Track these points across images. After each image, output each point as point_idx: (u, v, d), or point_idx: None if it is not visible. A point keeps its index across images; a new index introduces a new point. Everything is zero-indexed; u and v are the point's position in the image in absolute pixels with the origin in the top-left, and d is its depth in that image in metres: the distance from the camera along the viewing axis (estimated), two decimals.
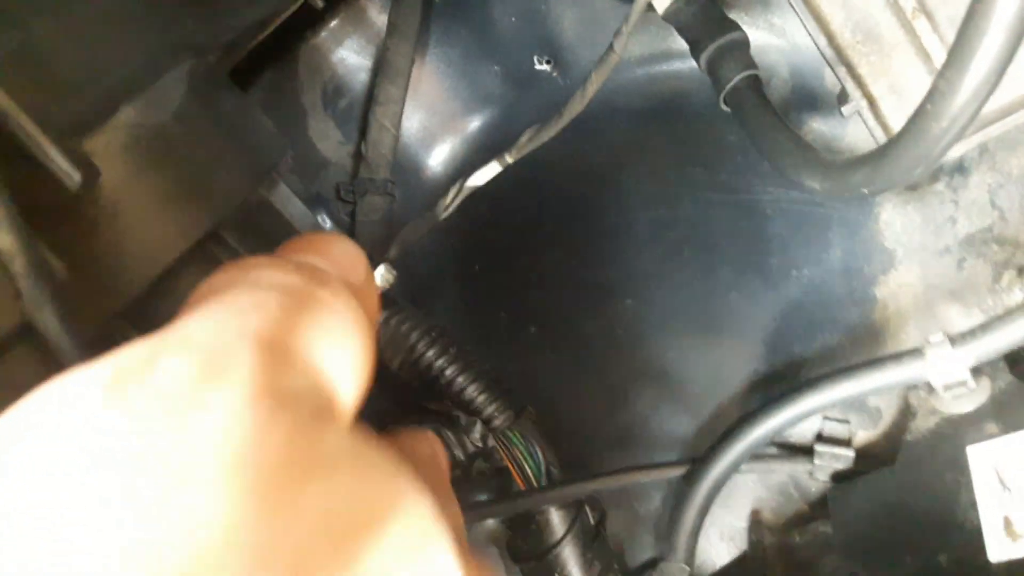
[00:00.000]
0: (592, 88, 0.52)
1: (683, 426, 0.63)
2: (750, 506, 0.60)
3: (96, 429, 0.17)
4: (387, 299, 0.60)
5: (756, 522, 0.60)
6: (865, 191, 0.48)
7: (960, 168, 0.63)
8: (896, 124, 0.57)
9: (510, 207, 0.71)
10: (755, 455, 0.58)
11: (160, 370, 0.18)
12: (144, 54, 0.37)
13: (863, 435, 0.59)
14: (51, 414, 0.18)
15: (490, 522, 0.62)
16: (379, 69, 0.65)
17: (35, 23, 0.32)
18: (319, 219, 0.66)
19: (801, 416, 0.55)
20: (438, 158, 0.71)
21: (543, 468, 0.57)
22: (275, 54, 0.65)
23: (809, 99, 0.66)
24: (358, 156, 0.67)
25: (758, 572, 0.54)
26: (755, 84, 0.58)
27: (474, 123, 0.70)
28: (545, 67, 0.69)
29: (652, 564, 0.58)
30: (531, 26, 0.67)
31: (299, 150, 0.66)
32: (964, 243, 0.62)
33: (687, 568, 0.53)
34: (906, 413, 0.58)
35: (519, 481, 0.57)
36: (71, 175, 0.31)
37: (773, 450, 0.59)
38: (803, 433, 0.60)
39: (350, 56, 0.67)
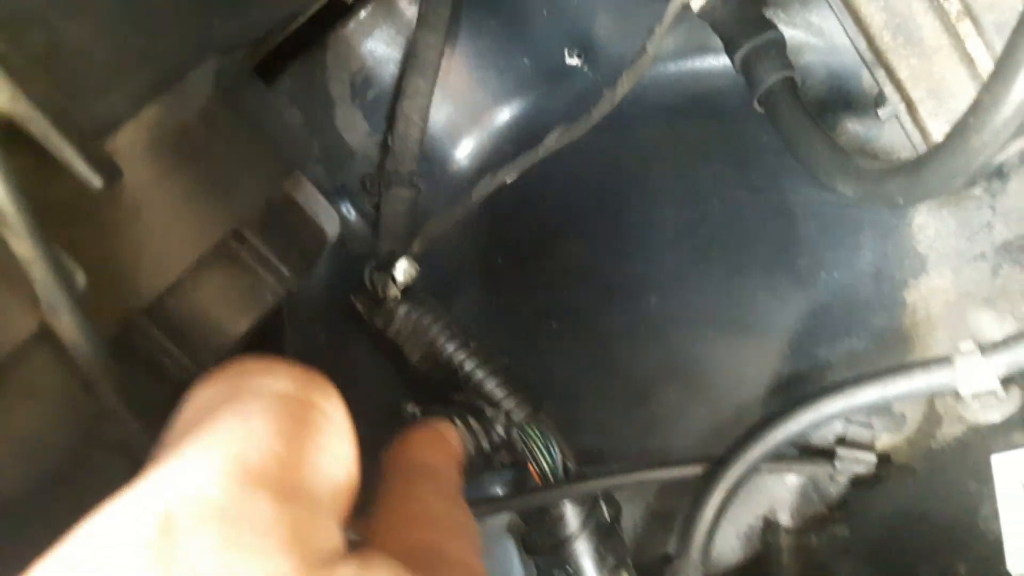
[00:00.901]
0: (623, 89, 0.52)
1: (703, 425, 0.63)
2: (767, 506, 0.60)
3: None
4: (409, 293, 0.60)
5: (773, 522, 0.59)
6: (900, 201, 0.47)
7: (999, 173, 0.62)
8: (934, 128, 0.56)
9: (535, 201, 0.70)
10: (775, 456, 0.57)
11: (183, 545, 0.19)
12: (169, 53, 0.37)
13: (886, 440, 0.58)
14: None
15: (505, 514, 0.62)
16: (408, 62, 0.65)
17: (60, 23, 0.32)
18: (344, 210, 0.66)
19: (824, 419, 0.54)
20: (465, 151, 0.70)
21: (559, 463, 0.57)
22: (304, 44, 0.65)
23: (845, 100, 0.65)
24: (385, 148, 0.67)
25: (772, 572, 0.54)
26: (790, 86, 0.57)
27: (502, 116, 0.70)
28: (576, 61, 0.68)
29: (667, 560, 0.58)
30: (563, 19, 0.66)
31: (326, 140, 0.66)
32: (1000, 250, 0.60)
33: (701, 568, 0.53)
34: (932, 420, 0.57)
35: (535, 476, 0.57)
36: (93, 178, 0.31)
37: (793, 451, 0.59)
38: (824, 435, 0.59)
39: (379, 47, 0.67)
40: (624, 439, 0.65)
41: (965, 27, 0.54)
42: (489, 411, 0.58)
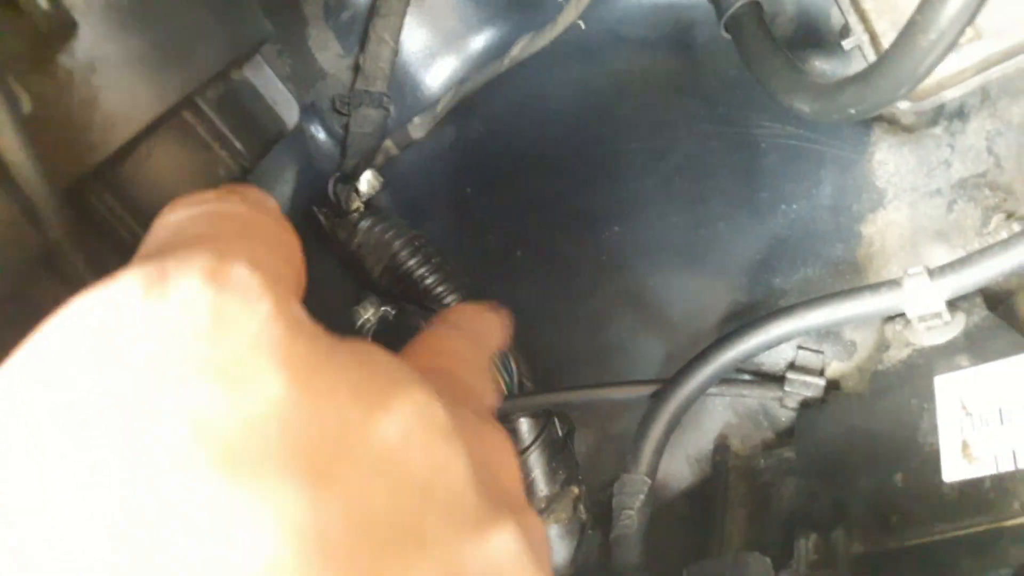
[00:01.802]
0: None
1: (659, 351, 0.64)
2: (717, 431, 0.61)
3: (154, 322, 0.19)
4: (372, 206, 0.60)
5: (723, 446, 0.60)
6: (853, 111, 0.48)
7: (960, 113, 0.63)
8: None
9: (505, 132, 0.71)
10: (727, 379, 0.58)
11: (175, 288, 0.19)
12: None
13: (836, 367, 0.59)
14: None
15: None
16: None
17: None
18: (312, 129, 0.67)
19: (775, 341, 0.55)
20: (437, 78, 0.71)
21: (515, 378, 0.58)
22: None
23: (813, 38, 0.65)
24: (356, 70, 0.67)
25: (720, 492, 0.55)
26: (756, 11, 0.58)
27: (476, 44, 0.70)
28: None
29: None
30: None
31: (297, 59, 0.66)
32: (956, 186, 0.61)
33: (648, 480, 0.53)
34: (881, 347, 0.58)
35: None
36: (43, 4, 0.31)
37: (745, 376, 0.60)
38: (776, 362, 0.60)
39: None
40: (582, 365, 0.66)
41: None
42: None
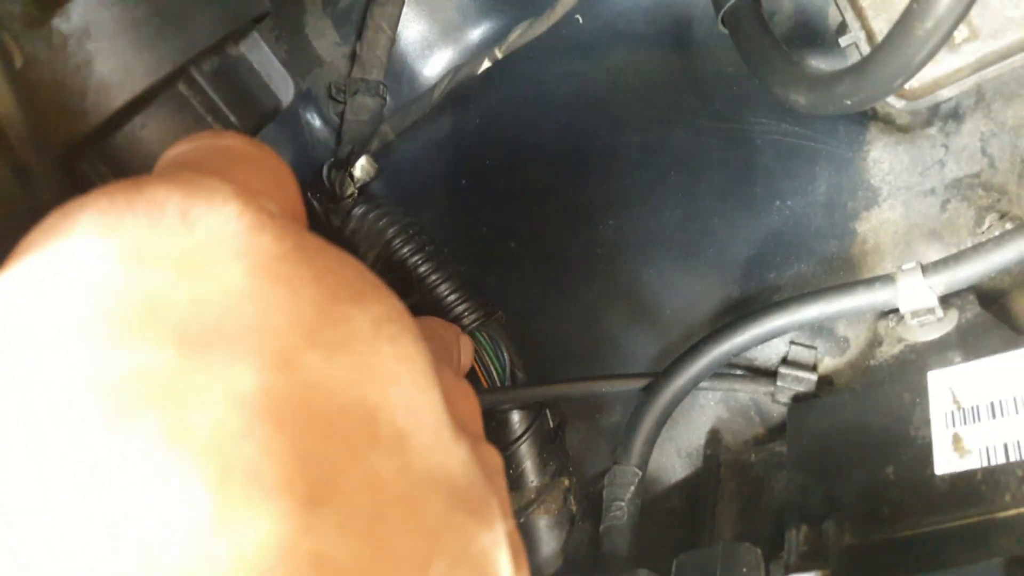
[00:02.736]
0: None
1: (652, 346, 0.64)
2: (709, 426, 0.60)
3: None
4: (366, 193, 0.60)
5: (714, 440, 0.60)
6: (849, 103, 0.48)
7: (955, 114, 0.63)
8: None
9: (501, 124, 0.71)
10: (719, 374, 0.58)
11: (146, 192, 0.20)
12: None
13: (829, 362, 0.59)
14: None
15: None
16: None
17: None
18: (308, 116, 0.66)
19: (768, 335, 0.55)
20: (434, 68, 0.71)
21: (508, 371, 0.58)
22: None
23: (810, 36, 0.66)
24: (353, 58, 0.67)
25: (711, 485, 0.55)
26: (754, 5, 0.58)
27: (474, 34, 0.70)
28: None
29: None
30: None
31: (294, 46, 0.66)
32: (950, 186, 0.61)
33: (639, 472, 0.53)
34: (873, 343, 0.58)
35: (483, 381, 0.58)
36: None
37: (737, 371, 0.59)
38: (769, 357, 0.60)
39: None
40: (575, 358, 0.66)
41: None
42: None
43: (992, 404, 0.45)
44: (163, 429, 0.17)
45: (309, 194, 0.61)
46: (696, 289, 0.63)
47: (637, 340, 0.64)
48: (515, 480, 0.56)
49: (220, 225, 0.19)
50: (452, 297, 0.59)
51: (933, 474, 0.45)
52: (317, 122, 0.66)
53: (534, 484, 0.56)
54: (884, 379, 0.53)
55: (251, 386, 0.18)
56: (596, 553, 0.53)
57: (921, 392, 0.50)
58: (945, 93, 0.60)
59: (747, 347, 0.55)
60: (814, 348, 0.58)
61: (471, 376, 0.58)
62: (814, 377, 0.56)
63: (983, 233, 0.60)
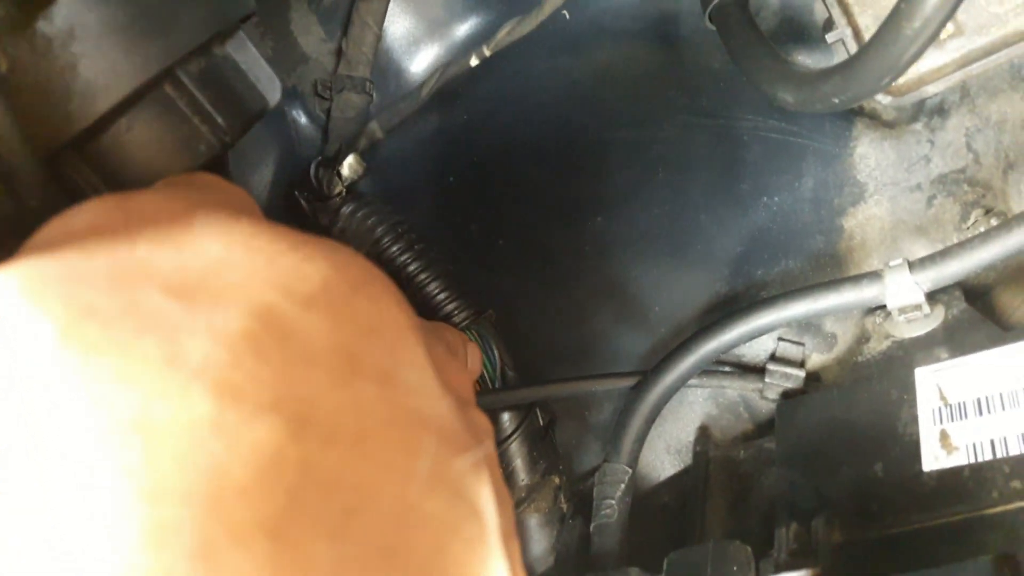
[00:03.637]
0: None
1: (641, 343, 0.64)
2: (698, 422, 0.61)
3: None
4: (355, 191, 0.60)
5: (703, 437, 0.60)
6: (836, 101, 0.48)
7: (940, 110, 0.63)
8: None
9: (489, 121, 0.70)
10: (707, 371, 0.58)
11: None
12: None
13: (817, 359, 0.59)
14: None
15: None
16: None
17: None
18: (294, 114, 0.66)
19: (756, 332, 0.55)
20: (420, 65, 0.70)
21: (498, 370, 0.58)
22: None
23: (796, 32, 0.66)
24: (339, 55, 0.66)
25: (700, 482, 0.55)
26: (741, 2, 0.58)
27: (461, 30, 0.70)
28: None
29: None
30: None
31: (279, 43, 0.65)
32: (936, 182, 0.62)
33: (629, 469, 0.53)
34: (861, 340, 0.58)
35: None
36: None
37: (726, 368, 0.60)
38: (757, 354, 0.60)
39: None
40: (565, 356, 0.66)
41: None
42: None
43: (979, 400, 0.46)
44: (161, 353, 0.19)
45: (297, 192, 0.60)
46: (684, 286, 0.63)
47: (626, 337, 0.64)
48: (505, 479, 0.57)
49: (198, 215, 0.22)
50: (441, 296, 0.58)
51: (921, 471, 0.45)
52: (303, 119, 0.66)
53: (524, 483, 0.57)
54: (872, 375, 0.54)
55: (234, 328, 0.19)
56: (587, 551, 0.54)
57: (909, 388, 0.50)
58: (931, 89, 0.60)
59: (735, 344, 0.55)
60: (802, 344, 0.59)
61: None
62: (802, 374, 0.57)
63: (968, 229, 0.60)
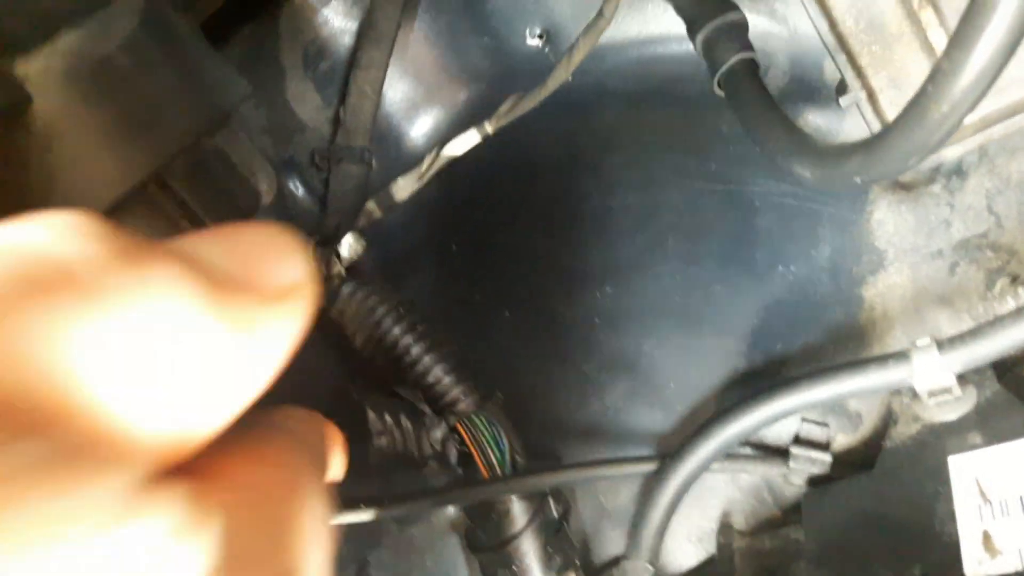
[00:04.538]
0: (579, 55, 0.50)
1: (656, 421, 0.61)
2: (720, 508, 0.58)
3: None
4: (354, 271, 0.57)
5: (726, 525, 0.57)
6: (858, 180, 0.46)
7: (958, 171, 0.61)
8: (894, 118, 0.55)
9: (491, 187, 0.68)
10: (728, 454, 0.55)
11: None
12: None
13: (842, 440, 0.57)
14: None
15: (450, 510, 0.60)
16: (363, 32, 0.63)
17: None
18: (291, 185, 0.64)
19: (778, 416, 0.52)
20: (420, 130, 0.68)
21: (507, 456, 0.55)
22: (256, 11, 0.62)
23: (807, 91, 0.64)
24: (336, 122, 0.64)
25: (724, 575, 0.52)
26: (751, 68, 0.56)
27: (460, 96, 0.68)
28: (537, 42, 0.66)
29: (616, 562, 0.56)
30: None
31: (274, 112, 0.63)
32: (958, 247, 0.59)
33: (651, 568, 0.50)
34: (887, 419, 0.55)
35: (482, 468, 0.55)
36: None
37: (747, 450, 0.57)
38: (779, 434, 0.57)
39: (335, 18, 0.64)
40: (576, 433, 0.63)
41: (927, 15, 0.54)
42: (429, 417, 0.55)
43: (1022, 497, 0.43)
44: None
45: None
46: (700, 360, 0.61)
47: (640, 414, 0.61)
48: None
49: None
50: (447, 380, 0.56)
51: None
52: (300, 191, 0.64)
53: None
54: (902, 463, 0.51)
55: None
56: None
57: (943, 480, 0.47)
58: (949, 153, 0.58)
59: (757, 428, 0.53)
60: (826, 425, 0.56)
61: (470, 463, 0.55)
62: (828, 458, 0.54)
63: (994, 298, 0.58)
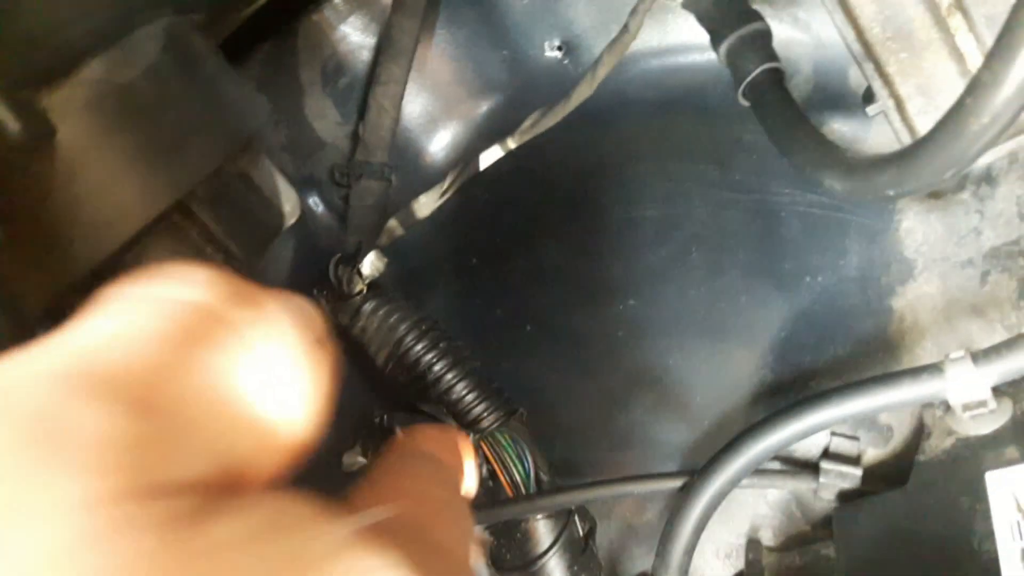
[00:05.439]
0: (603, 70, 0.49)
1: (683, 435, 0.60)
2: (749, 523, 0.57)
3: None
4: (376, 288, 0.57)
5: (754, 541, 0.56)
6: (891, 193, 0.45)
7: (988, 178, 0.60)
8: (923, 126, 0.54)
9: (512, 199, 0.68)
10: (757, 470, 0.54)
11: None
12: (116, 6, 0.34)
13: (873, 454, 0.56)
14: None
15: (474, 528, 0.59)
16: (381, 48, 0.62)
17: None
18: (311, 202, 0.63)
19: (808, 431, 0.51)
20: (440, 144, 0.68)
21: (532, 474, 0.54)
22: (275, 28, 0.62)
23: (832, 99, 0.63)
24: (355, 138, 0.64)
25: None
26: (776, 77, 0.55)
27: (479, 109, 0.67)
28: (556, 54, 0.66)
29: None
30: (543, 10, 0.64)
31: (294, 129, 0.63)
32: (989, 256, 0.58)
33: None
34: (919, 433, 0.54)
35: (506, 487, 0.54)
36: (11, 122, 0.28)
37: (776, 465, 0.56)
38: (808, 448, 0.56)
39: (353, 34, 0.64)
40: (601, 449, 0.62)
41: (956, 21, 0.53)
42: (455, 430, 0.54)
43: None
44: None
45: (315, 291, 0.58)
46: (726, 373, 0.60)
47: (667, 429, 0.61)
48: None
49: None
50: (470, 397, 0.55)
51: None
52: (320, 208, 0.63)
53: None
54: (936, 478, 0.50)
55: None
56: None
57: (980, 495, 0.46)
58: (981, 160, 0.57)
59: (789, 443, 0.52)
60: (856, 439, 0.55)
61: (494, 481, 0.55)
62: (859, 472, 0.53)
63: None
